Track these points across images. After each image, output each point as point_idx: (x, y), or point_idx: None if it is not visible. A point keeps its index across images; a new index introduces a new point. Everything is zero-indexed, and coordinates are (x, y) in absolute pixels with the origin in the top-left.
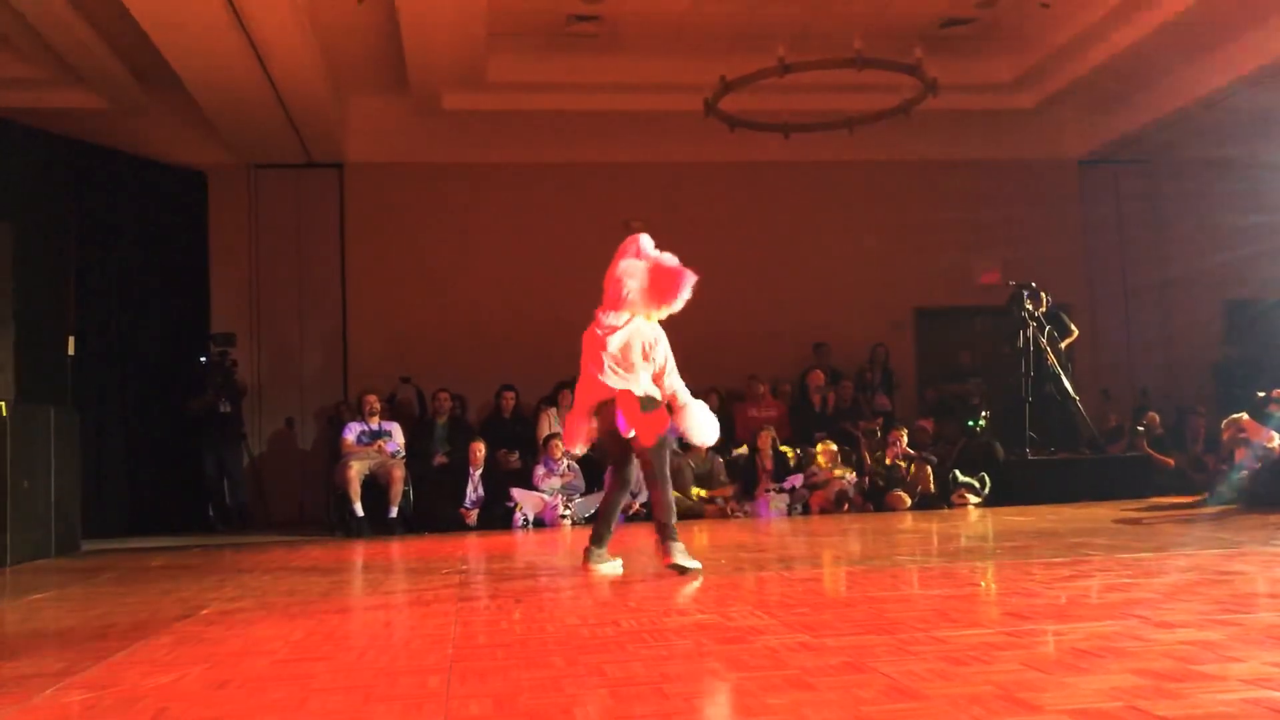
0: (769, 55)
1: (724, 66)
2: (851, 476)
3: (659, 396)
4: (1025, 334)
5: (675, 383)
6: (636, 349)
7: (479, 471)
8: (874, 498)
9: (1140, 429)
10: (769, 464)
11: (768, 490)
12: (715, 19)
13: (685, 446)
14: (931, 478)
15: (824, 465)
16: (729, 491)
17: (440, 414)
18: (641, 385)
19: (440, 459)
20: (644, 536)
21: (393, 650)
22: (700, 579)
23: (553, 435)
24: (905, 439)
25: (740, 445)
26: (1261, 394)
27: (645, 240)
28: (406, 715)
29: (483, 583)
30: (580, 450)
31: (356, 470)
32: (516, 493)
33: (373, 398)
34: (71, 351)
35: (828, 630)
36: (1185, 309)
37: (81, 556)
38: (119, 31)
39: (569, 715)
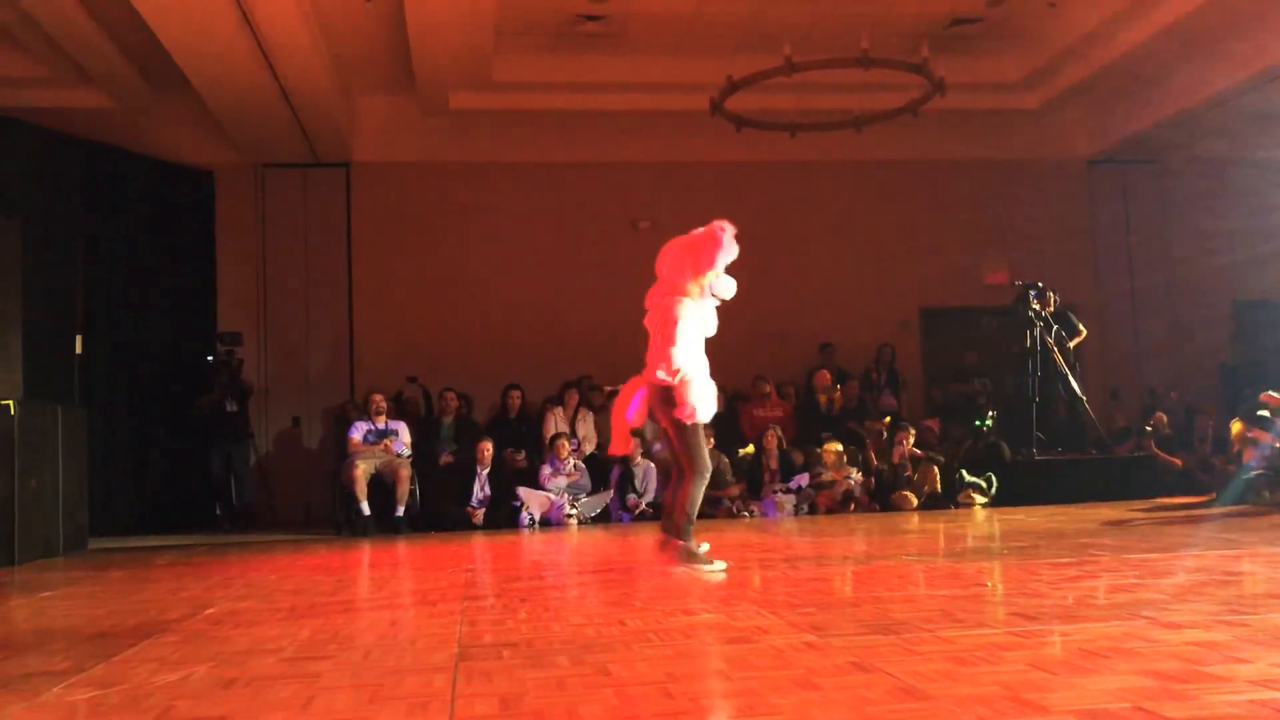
0: (776, 55)
1: (731, 66)
2: (858, 476)
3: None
4: (1032, 334)
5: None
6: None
7: (486, 471)
8: (880, 498)
9: (1148, 429)
10: (775, 464)
11: (774, 490)
12: (722, 18)
13: None
14: (938, 478)
15: (830, 465)
16: (735, 491)
17: (446, 413)
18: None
19: (446, 458)
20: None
21: (399, 649)
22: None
23: (559, 434)
24: (912, 439)
25: (746, 445)
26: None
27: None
28: (412, 714)
29: (489, 582)
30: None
31: (363, 469)
32: (523, 492)
33: (379, 397)
34: (79, 350)
35: (834, 630)
36: (1193, 309)
37: (89, 555)
38: (127, 31)
39: (574, 715)
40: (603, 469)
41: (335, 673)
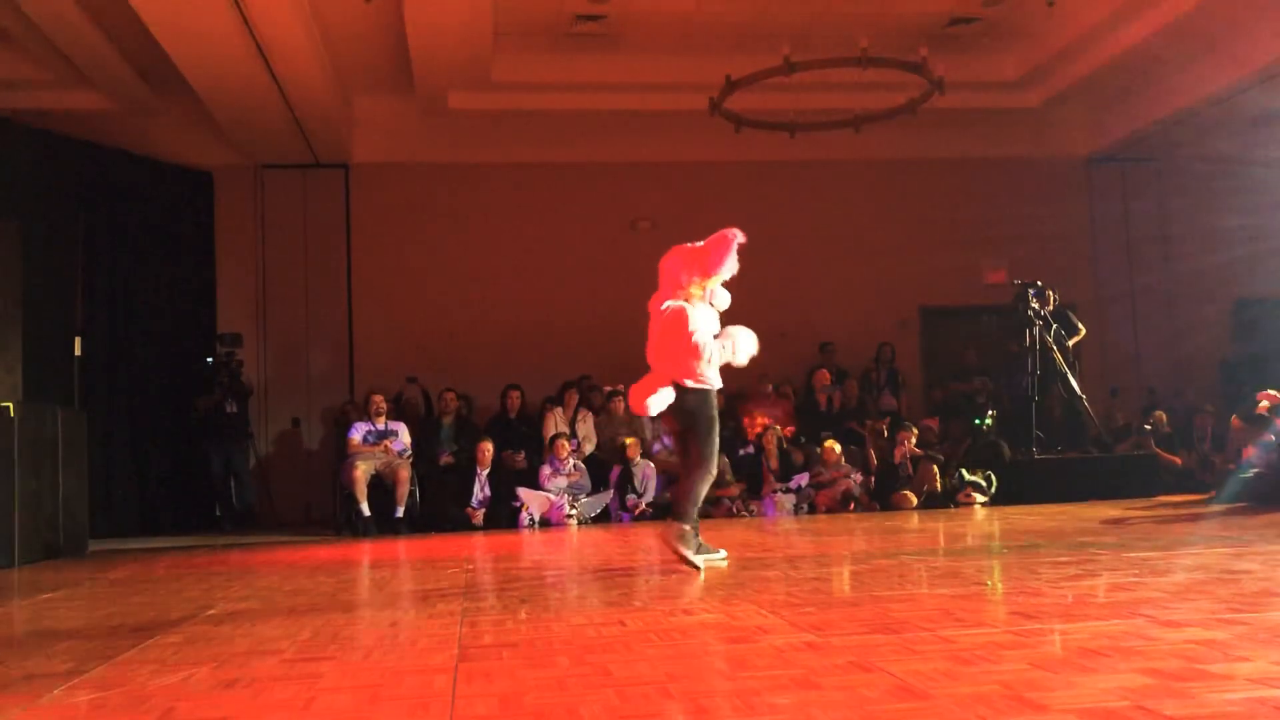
0: (775, 54)
1: (730, 65)
2: (858, 476)
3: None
4: (1031, 333)
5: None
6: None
7: (486, 471)
8: (880, 497)
9: (1147, 428)
10: (775, 463)
11: (774, 490)
12: (721, 18)
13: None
14: (938, 477)
15: (830, 465)
16: (735, 491)
17: (446, 413)
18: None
19: (446, 458)
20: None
21: (399, 650)
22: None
23: (559, 435)
24: (914, 439)
25: (746, 445)
26: (1272, 391)
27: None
28: (413, 715)
29: (489, 583)
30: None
31: (363, 470)
32: (522, 492)
33: (379, 398)
34: (78, 352)
35: (834, 630)
36: (1193, 307)
37: (89, 556)
38: (126, 33)
39: (575, 715)
40: (602, 469)
41: (336, 673)
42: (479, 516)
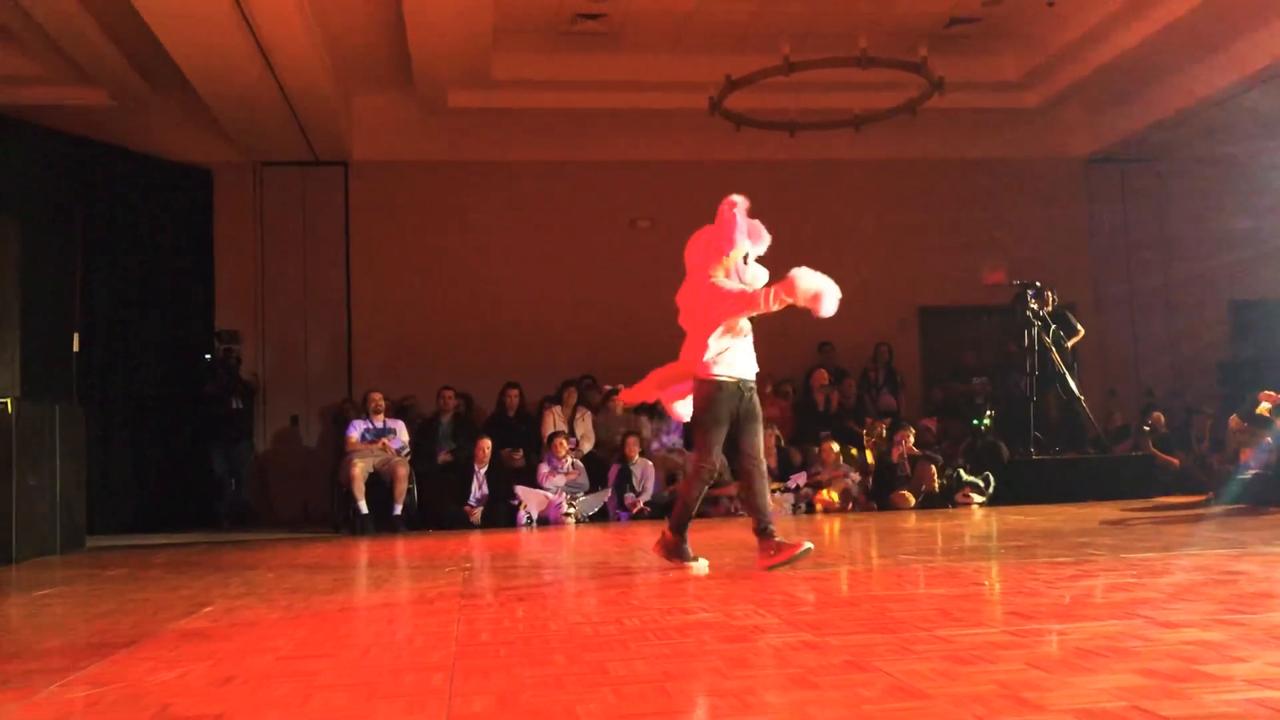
0: (774, 54)
1: (729, 65)
2: (856, 475)
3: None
4: (1030, 333)
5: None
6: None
7: (484, 469)
8: (878, 497)
9: (1146, 429)
10: (773, 463)
11: (772, 490)
12: (721, 17)
13: (689, 445)
14: (936, 477)
15: (828, 464)
16: (733, 490)
17: (445, 412)
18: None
19: (445, 456)
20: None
21: (396, 648)
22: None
23: (557, 433)
24: (912, 438)
25: None
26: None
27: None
28: (410, 712)
29: (486, 581)
30: None
31: (361, 468)
32: (521, 490)
33: (377, 396)
34: (76, 348)
35: (831, 629)
36: (1192, 309)
37: (87, 553)
38: (126, 29)
39: (572, 713)
40: (601, 468)
41: (333, 671)
42: (477, 515)
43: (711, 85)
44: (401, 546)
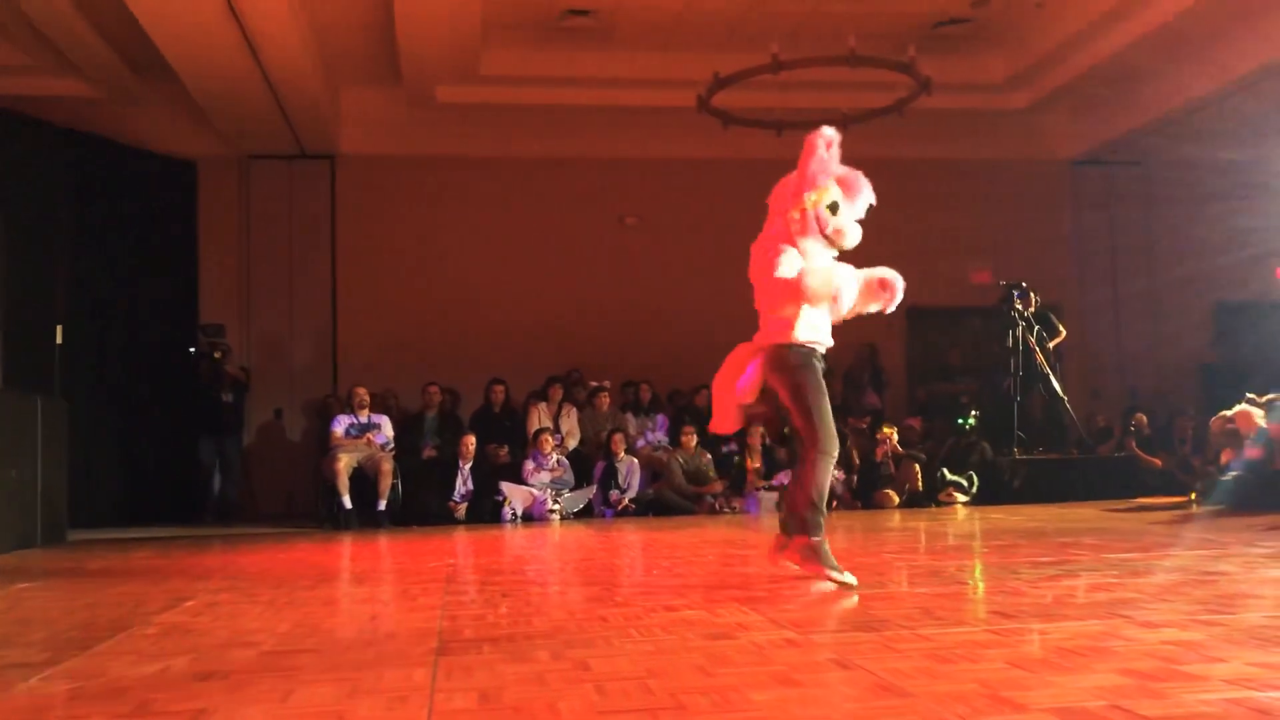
0: (763, 52)
1: (718, 62)
2: (840, 474)
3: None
4: (1015, 333)
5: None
6: None
7: (468, 465)
8: (862, 495)
9: (1131, 429)
10: (758, 461)
11: (757, 487)
12: (710, 15)
13: (675, 442)
14: (919, 476)
15: None
16: (718, 488)
17: (430, 407)
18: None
19: (429, 452)
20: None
21: (378, 643)
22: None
23: (543, 429)
24: (895, 437)
25: (729, 442)
26: (1250, 395)
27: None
28: (391, 708)
29: (469, 577)
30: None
31: (345, 463)
32: (505, 487)
33: (362, 390)
34: (60, 340)
35: (814, 627)
36: (1175, 310)
37: (68, 546)
38: (112, 20)
39: (554, 710)
40: (586, 465)
41: (315, 666)
42: (461, 510)
43: (700, 83)
44: (385, 542)
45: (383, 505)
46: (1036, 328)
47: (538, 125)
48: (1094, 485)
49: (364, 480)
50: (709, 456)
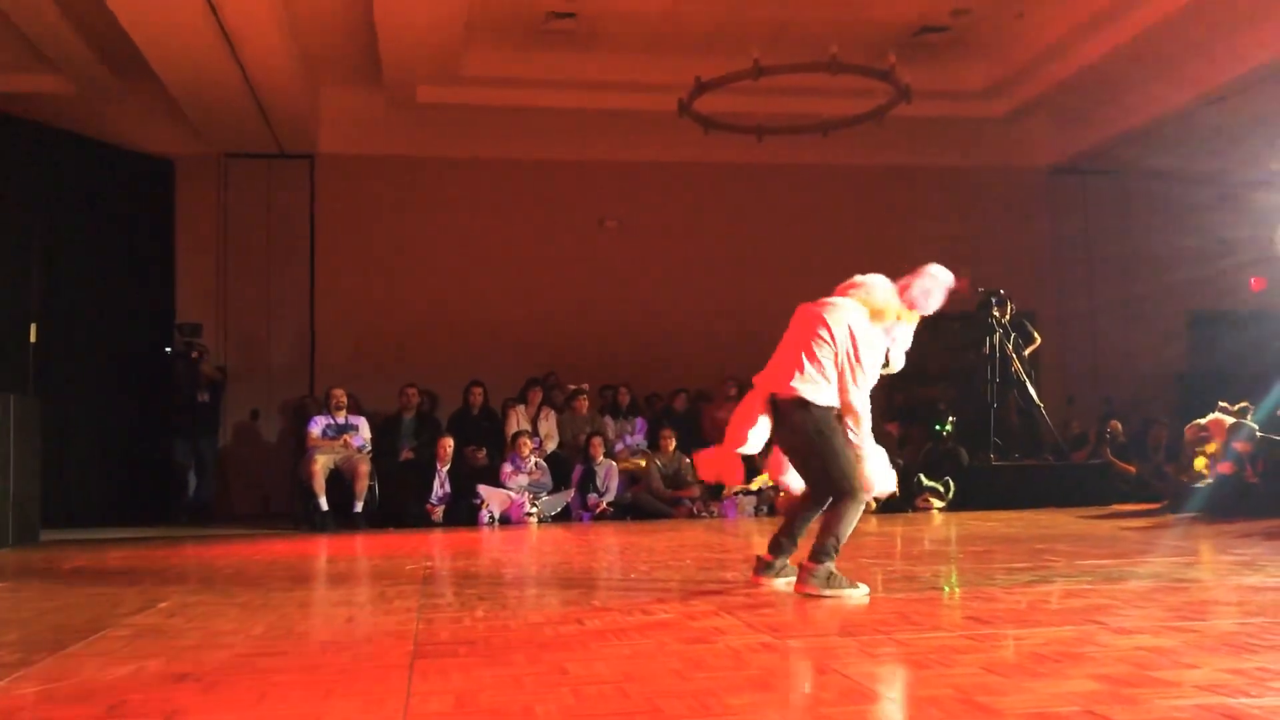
0: (745, 57)
1: (700, 67)
2: None
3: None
4: (992, 340)
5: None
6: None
7: (446, 468)
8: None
9: (1106, 437)
10: None
11: (734, 492)
12: (692, 20)
13: (653, 446)
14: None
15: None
16: (696, 492)
17: (408, 409)
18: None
19: (407, 454)
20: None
21: (354, 646)
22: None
23: (521, 432)
24: None
25: (707, 446)
26: (1223, 404)
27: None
28: (367, 711)
29: (446, 579)
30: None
31: (321, 464)
32: (483, 489)
33: (340, 391)
34: (34, 338)
35: (790, 631)
36: (1151, 319)
37: (40, 547)
38: (89, 16)
39: (530, 713)
40: (564, 468)
41: (289, 668)
42: (438, 513)
43: (681, 87)
44: (361, 544)
45: (359, 507)
46: (1013, 335)
47: (519, 127)
48: (1069, 492)
49: (341, 482)
50: (687, 461)
